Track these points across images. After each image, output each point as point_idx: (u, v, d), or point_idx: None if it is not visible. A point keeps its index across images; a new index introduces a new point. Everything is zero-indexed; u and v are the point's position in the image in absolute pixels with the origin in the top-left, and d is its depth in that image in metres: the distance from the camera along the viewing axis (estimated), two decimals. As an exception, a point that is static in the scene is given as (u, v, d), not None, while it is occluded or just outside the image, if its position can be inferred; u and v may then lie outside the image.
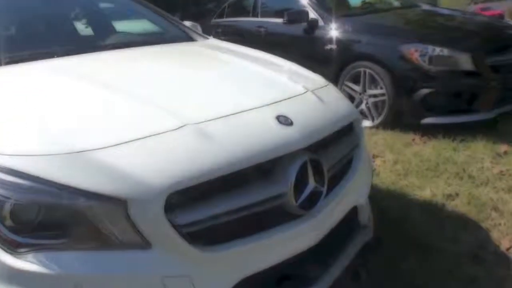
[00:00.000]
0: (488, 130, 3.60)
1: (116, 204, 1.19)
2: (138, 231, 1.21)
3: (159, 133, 1.36)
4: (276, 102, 1.64)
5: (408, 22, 4.49)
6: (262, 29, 5.15)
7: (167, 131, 1.37)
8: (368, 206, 1.98)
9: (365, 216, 1.93)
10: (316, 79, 2.09)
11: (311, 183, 1.49)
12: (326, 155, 1.61)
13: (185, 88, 1.74)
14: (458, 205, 2.57)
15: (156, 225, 1.21)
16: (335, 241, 1.68)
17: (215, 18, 6.34)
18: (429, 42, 3.69)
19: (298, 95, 1.78)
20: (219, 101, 1.62)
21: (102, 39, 2.67)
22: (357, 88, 4.07)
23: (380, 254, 2.09)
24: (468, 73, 3.65)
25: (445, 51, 3.64)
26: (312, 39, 4.44)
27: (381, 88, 3.86)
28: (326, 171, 1.54)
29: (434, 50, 3.65)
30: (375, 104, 3.98)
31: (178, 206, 1.25)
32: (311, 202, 1.51)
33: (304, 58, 4.28)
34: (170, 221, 1.23)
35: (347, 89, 4.11)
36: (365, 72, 3.96)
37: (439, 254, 2.11)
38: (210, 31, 5.11)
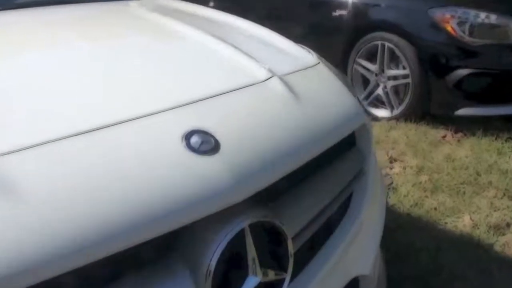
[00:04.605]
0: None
1: None
2: None
3: None
4: (192, 103, 0.91)
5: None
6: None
7: None
8: (377, 268, 1.33)
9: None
10: (299, 56, 1.40)
11: (253, 275, 0.81)
12: (293, 205, 0.95)
13: (38, 79, 0.98)
14: (512, 243, 2.06)
15: None
16: None
17: None
18: (471, 6, 3.26)
19: (248, 85, 1.05)
20: (76, 106, 0.87)
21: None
22: (373, 67, 3.69)
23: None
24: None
25: (492, 18, 3.22)
26: (315, 3, 4.01)
27: (404, 67, 3.48)
28: (290, 241, 0.87)
29: (477, 16, 3.22)
30: (396, 89, 3.62)
31: None
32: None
33: (305, 29, 3.96)
34: None
35: (359, 68, 3.76)
36: (383, 46, 3.57)
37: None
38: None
